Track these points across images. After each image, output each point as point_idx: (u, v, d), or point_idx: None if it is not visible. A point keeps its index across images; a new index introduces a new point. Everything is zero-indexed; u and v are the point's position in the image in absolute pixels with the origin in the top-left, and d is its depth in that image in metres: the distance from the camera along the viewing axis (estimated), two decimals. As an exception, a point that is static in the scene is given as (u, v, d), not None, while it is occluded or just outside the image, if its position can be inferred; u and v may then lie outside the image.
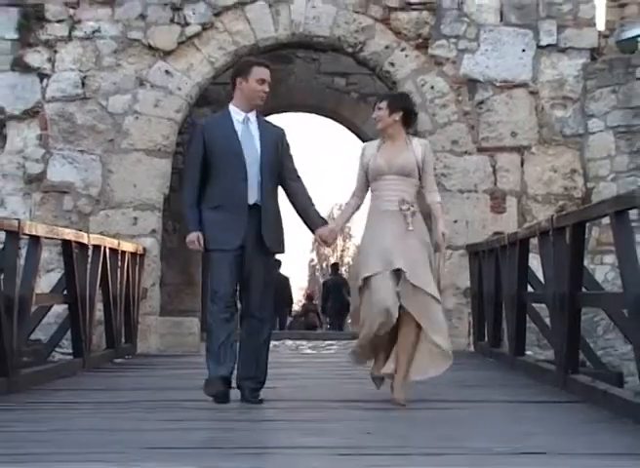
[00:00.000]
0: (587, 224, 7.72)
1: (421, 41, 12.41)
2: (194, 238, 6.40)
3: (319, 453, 4.70)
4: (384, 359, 6.56)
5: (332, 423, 5.75)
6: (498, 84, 12.39)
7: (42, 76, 12.30)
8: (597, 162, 12.25)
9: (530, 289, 9.63)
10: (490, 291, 10.54)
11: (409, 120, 6.68)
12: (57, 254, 11.03)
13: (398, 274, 6.35)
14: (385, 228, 6.42)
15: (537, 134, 12.38)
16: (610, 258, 11.39)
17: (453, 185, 12.17)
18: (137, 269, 11.67)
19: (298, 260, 47.06)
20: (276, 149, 6.51)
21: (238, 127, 6.46)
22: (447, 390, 7.26)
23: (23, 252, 8.24)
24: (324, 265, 44.57)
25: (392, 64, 12.39)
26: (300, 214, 6.66)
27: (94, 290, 9.76)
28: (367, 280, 6.40)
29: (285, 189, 6.64)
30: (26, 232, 7.82)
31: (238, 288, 6.51)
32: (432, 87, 12.36)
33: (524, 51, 12.42)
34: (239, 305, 6.58)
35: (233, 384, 6.50)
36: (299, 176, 6.68)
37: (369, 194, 6.77)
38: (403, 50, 12.39)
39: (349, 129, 16.61)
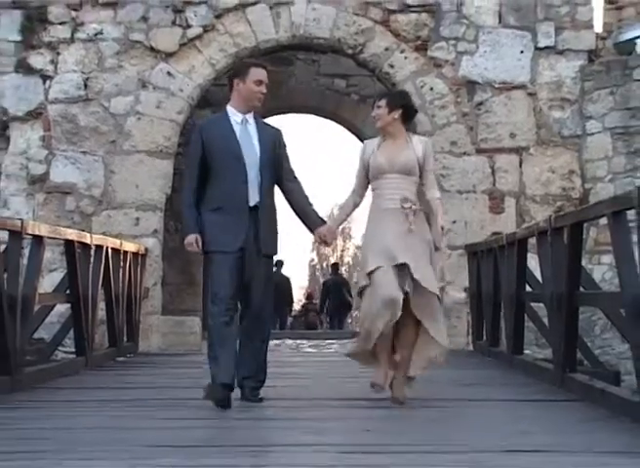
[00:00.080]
0: (585, 225, 7.76)
1: (421, 43, 12.45)
2: (192, 240, 6.35)
3: (319, 451, 4.71)
4: (386, 367, 6.49)
5: (332, 421, 5.77)
6: (496, 85, 12.42)
7: (45, 78, 12.35)
8: (595, 163, 12.27)
9: (528, 288, 9.65)
10: (488, 290, 10.53)
11: (408, 117, 6.65)
12: (59, 254, 11.05)
13: (401, 273, 6.31)
14: (387, 226, 6.39)
15: (535, 135, 12.42)
16: (607, 258, 11.39)
17: (452, 186, 12.20)
18: (138, 269, 11.69)
19: (298, 260, 47.08)
20: (274, 150, 6.49)
21: (237, 128, 6.43)
22: (446, 389, 7.27)
23: (26, 251, 8.20)
24: (324, 265, 44.48)
25: (392, 66, 12.44)
26: (298, 215, 6.63)
27: (96, 289, 9.79)
28: (370, 275, 6.34)
29: (282, 190, 6.61)
30: (29, 232, 7.85)
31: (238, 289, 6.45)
32: (431, 88, 12.41)
33: (522, 52, 12.45)
34: (239, 306, 6.54)
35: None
36: (295, 177, 6.65)
37: (368, 192, 6.74)
38: (402, 52, 12.44)
39: (349, 130, 16.61)
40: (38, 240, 8.16)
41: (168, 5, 12.38)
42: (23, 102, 12.34)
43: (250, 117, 6.50)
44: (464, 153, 12.38)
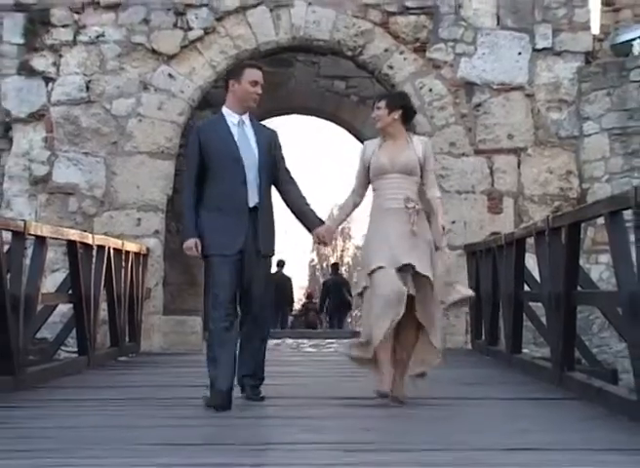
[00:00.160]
0: (583, 224, 7.75)
1: (420, 45, 12.51)
2: (192, 244, 6.28)
3: (319, 449, 4.74)
4: (389, 374, 6.40)
5: (331, 420, 5.79)
6: (494, 87, 12.47)
7: (47, 80, 12.40)
8: (592, 163, 12.30)
9: (526, 288, 9.68)
10: (487, 290, 10.55)
11: (408, 118, 6.65)
12: (62, 255, 11.04)
13: (403, 275, 6.30)
14: (389, 226, 6.37)
15: (533, 136, 12.47)
16: (605, 258, 11.40)
17: (451, 186, 12.23)
18: (140, 269, 11.72)
19: (298, 260, 47.05)
20: (270, 151, 6.45)
21: (234, 129, 6.39)
22: (445, 387, 7.27)
23: (29, 252, 8.27)
24: (324, 265, 44.39)
25: (391, 67, 12.50)
26: (296, 215, 6.60)
27: (98, 289, 9.83)
28: (371, 274, 6.32)
29: (279, 190, 6.57)
30: (32, 233, 7.88)
31: (238, 291, 6.44)
32: (430, 90, 12.46)
33: (520, 54, 12.50)
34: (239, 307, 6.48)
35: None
36: (292, 178, 6.61)
37: (368, 193, 6.74)
38: (402, 53, 12.49)
39: (349, 131, 16.59)
40: (41, 240, 8.19)
41: (169, 7, 12.42)
42: (26, 104, 12.38)
43: (246, 118, 6.47)
44: (463, 154, 12.43)
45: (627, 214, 5.89)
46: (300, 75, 16.00)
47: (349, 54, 12.67)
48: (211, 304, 6.32)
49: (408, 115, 6.64)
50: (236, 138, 6.36)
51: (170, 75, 12.45)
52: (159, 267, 12.44)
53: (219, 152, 6.31)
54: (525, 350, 9.92)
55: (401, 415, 6.03)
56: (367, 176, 6.62)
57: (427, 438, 5.13)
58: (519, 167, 12.46)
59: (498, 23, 12.56)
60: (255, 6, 12.51)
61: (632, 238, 5.70)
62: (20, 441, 5.02)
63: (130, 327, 11.32)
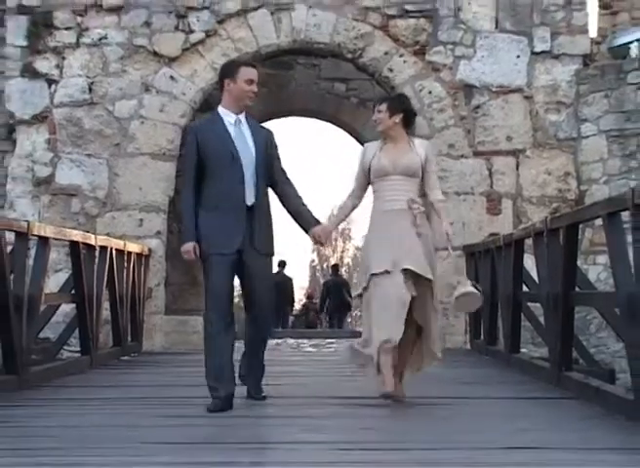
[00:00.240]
0: (581, 226, 7.73)
1: (419, 47, 12.57)
2: (190, 248, 6.19)
3: (319, 448, 4.75)
4: (392, 376, 6.31)
5: (331, 419, 5.80)
6: (493, 89, 12.53)
7: (50, 82, 12.46)
8: (590, 165, 12.34)
9: (525, 288, 9.69)
10: (486, 290, 10.31)
11: (409, 121, 6.61)
12: (65, 255, 11.11)
13: (405, 278, 6.27)
14: (390, 228, 6.34)
15: (531, 137, 12.52)
16: (602, 259, 11.45)
17: (450, 188, 12.21)
18: (142, 269, 11.77)
19: (299, 261, 47.13)
20: (267, 150, 6.39)
21: (231, 129, 6.32)
22: (444, 387, 7.29)
23: (32, 252, 8.32)
24: (324, 266, 44.35)
25: (391, 70, 12.56)
26: (292, 215, 6.53)
27: (101, 289, 9.85)
28: (373, 278, 6.29)
29: (276, 190, 6.50)
30: (35, 233, 7.90)
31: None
32: (430, 92, 12.52)
33: (519, 57, 12.56)
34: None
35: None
36: (288, 177, 6.55)
37: (366, 195, 6.71)
38: (401, 56, 12.55)
39: (349, 133, 16.60)
40: (44, 241, 8.22)
41: (171, 10, 12.48)
42: (29, 106, 12.44)
43: (242, 117, 6.40)
44: (462, 156, 12.48)
45: (625, 216, 5.89)
46: (300, 78, 16.01)
47: (349, 56, 12.73)
48: (208, 306, 6.24)
49: (409, 118, 6.60)
50: (233, 137, 6.31)
51: (172, 77, 12.51)
52: (161, 267, 12.50)
53: (216, 152, 6.26)
54: (523, 350, 9.94)
55: (401, 415, 6.04)
56: (366, 178, 6.57)
57: (427, 437, 5.14)
58: (518, 168, 12.52)
59: (496, 26, 12.61)
60: (256, 9, 12.57)
61: (630, 239, 5.69)
62: (24, 439, 5.06)
63: (132, 326, 11.35)
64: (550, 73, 12.60)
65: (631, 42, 12.68)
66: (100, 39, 12.49)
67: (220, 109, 6.42)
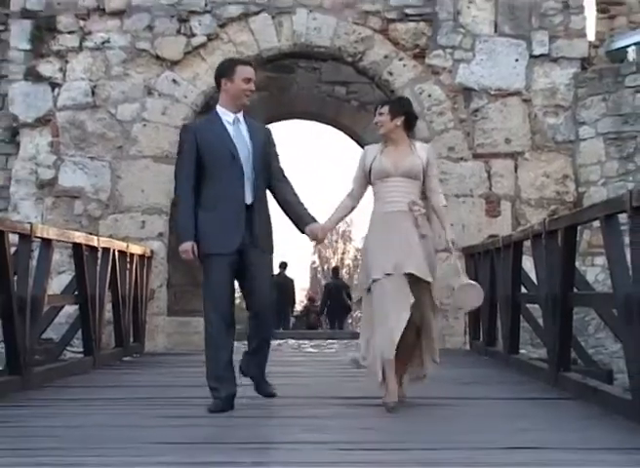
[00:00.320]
0: (579, 227, 7.74)
1: (419, 51, 12.64)
2: (188, 247, 6.14)
3: (320, 448, 4.76)
4: (394, 383, 6.26)
5: (333, 420, 5.80)
6: (492, 92, 12.60)
7: (54, 85, 12.52)
8: (588, 167, 12.40)
9: (523, 289, 9.71)
10: (485, 291, 10.43)
11: (410, 124, 6.54)
12: (67, 257, 11.15)
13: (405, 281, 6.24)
14: (390, 230, 6.29)
15: (530, 140, 12.59)
16: (600, 260, 11.48)
17: (449, 190, 12.22)
18: (144, 271, 11.79)
19: (300, 262, 47.07)
20: (265, 148, 6.36)
21: (229, 128, 6.28)
22: (444, 387, 7.28)
23: (36, 254, 8.32)
24: (325, 267, 44.27)
25: (391, 73, 12.63)
26: (289, 213, 6.47)
27: (103, 291, 9.86)
28: (374, 282, 6.24)
29: (272, 189, 6.45)
30: (38, 235, 7.92)
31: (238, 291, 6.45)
32: (429, 95, 12.58)
33: (517, 60, 12.64)
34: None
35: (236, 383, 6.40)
36: (285, 176, 6.51)
37: (365, 197, 6.63)
38: (401, 59, 12.62)
39: (350, 136, 16.64)
40: (47, 243, 8.26)
41: (173, 14, 12.54)
42: (33, 109, 12.49)
43: (240, 116, 6.36)
44: (461, 158, 12.55)
45: (622, 218, 5.93)
46: (301, 81, 16.08)
47: (350, 60, 12.79)
48: (207, 307, 6.20)
49: (410, 121, 6.53)
50: (232, 136, 6.28)
51: (174, 81, 12.58)
52: (163, 269, 12.54)
53: (216, 150, 6.23)
54: (522, 351, 9.95)
55: (401, 415, 6.01)
56: (366, 180, 6.51)
57: (427, 437, 5.16)
58: (516, 171, 12.59)
59: (495, 30, 12.67)
60: (257, 13, 12.63)
61: (627, 241, 5.71)
62: (27, 439, 5.08)
63: (134, 327, 11.38)
64: (549, 76, 12.67)
65: (629, 46, 12.76)
66: (103, 43, 12.54)
67: (218, 109, 6.40)
